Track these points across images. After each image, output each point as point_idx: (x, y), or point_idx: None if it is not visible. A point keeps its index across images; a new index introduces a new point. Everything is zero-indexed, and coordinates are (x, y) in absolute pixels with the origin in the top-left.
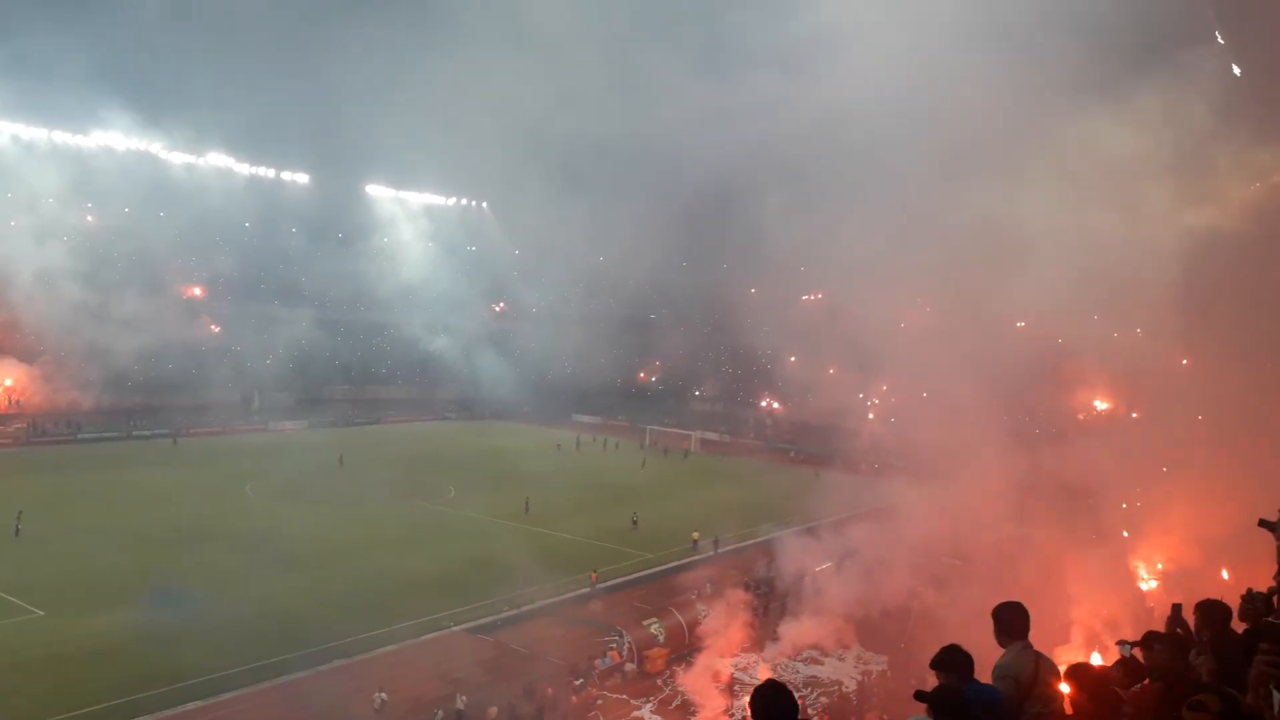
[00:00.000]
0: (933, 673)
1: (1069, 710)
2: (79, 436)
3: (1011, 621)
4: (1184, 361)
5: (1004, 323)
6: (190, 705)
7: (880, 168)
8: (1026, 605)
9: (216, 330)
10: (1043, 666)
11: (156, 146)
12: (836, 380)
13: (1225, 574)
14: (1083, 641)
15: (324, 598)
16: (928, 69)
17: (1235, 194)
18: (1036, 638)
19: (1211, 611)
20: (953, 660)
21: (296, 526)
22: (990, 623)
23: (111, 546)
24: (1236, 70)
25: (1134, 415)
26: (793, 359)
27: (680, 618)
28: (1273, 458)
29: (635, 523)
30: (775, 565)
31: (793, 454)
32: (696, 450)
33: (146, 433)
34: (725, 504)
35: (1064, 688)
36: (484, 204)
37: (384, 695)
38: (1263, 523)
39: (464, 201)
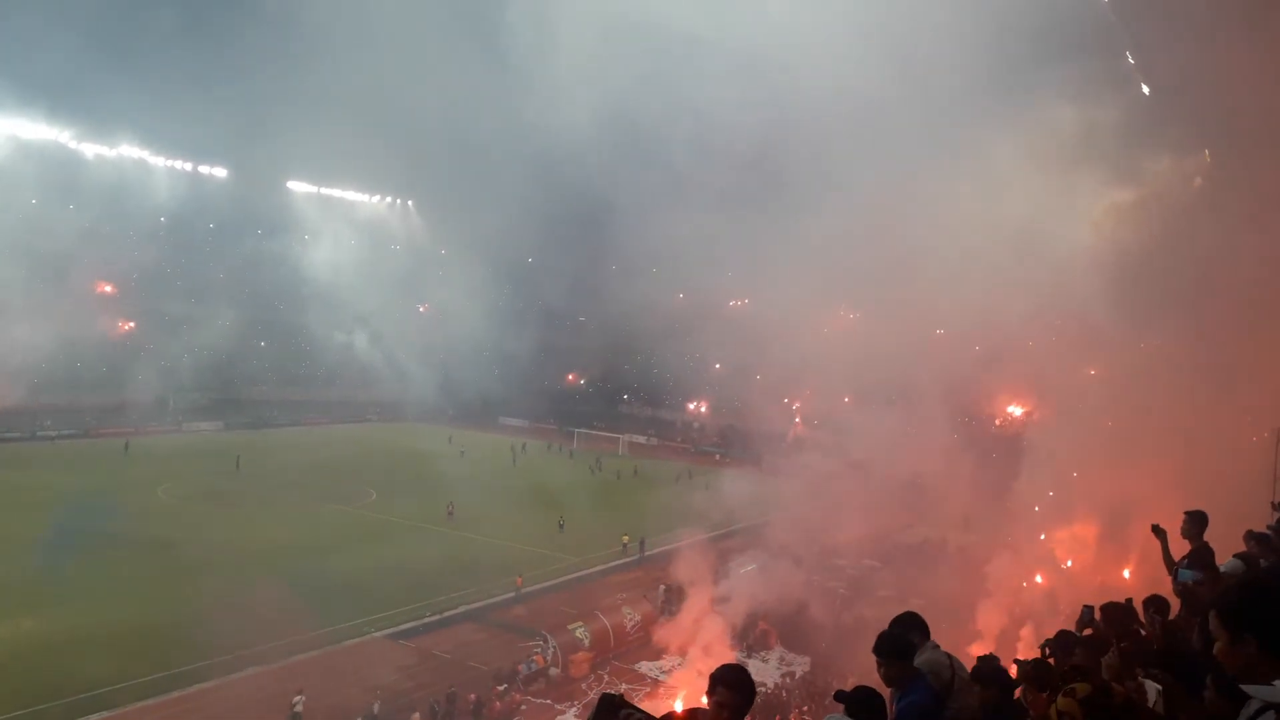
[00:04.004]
0: (853, 673)
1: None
2: None
3: (917, 624)
4: (1092, 371)
5: (923, 329)
6: (96, 715)
7: (798, 174)
8: (941, 605)
9: (129, 327)
10: (957, 667)
11: (65, 136)
12: (761, 385)
13: (1127, 574)
14: (994, 640)
15: (239, 604)
16: (842, 74)
17: (1142, 205)
18: (953, 637)
19: (1114, 612)
20: (867, 703)
21: (211, 530)
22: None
23: (10, 553)
24: (1145, 89)
25: (1049, 421)
26: (718, 366)
27: (606, 621)
28: (1179, 461)
29: (561, 526)
30: (699, 567)
31: (719, 457)
32: (625, 453)
33: (52, 433)
34: (653, 507)
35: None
36: (409, 202)
37: (303, 697)
38: (1155, 528)
39: (388, 199)
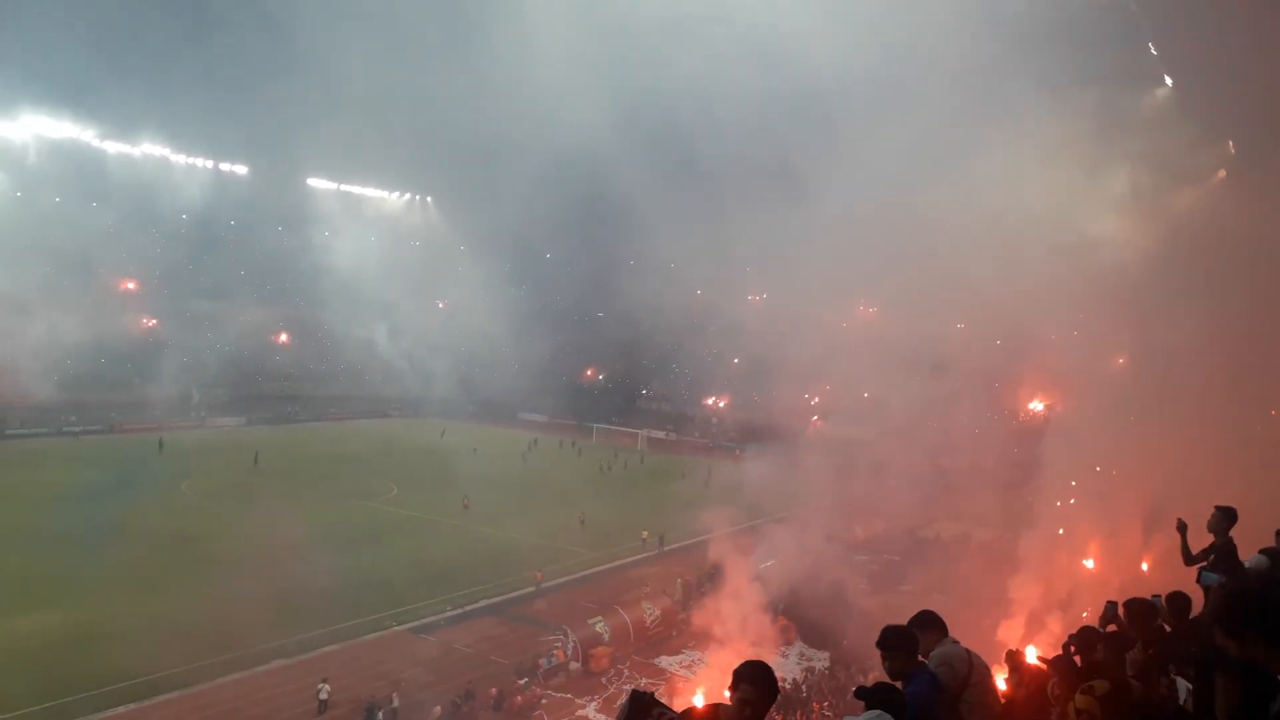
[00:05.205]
0: (873, 668)
1: (1003, 699)
2: (6, 432)
3: (935, 623)
4: (1120, 361)
5: (944, 324)
6: (122, 708)
7: (817, 169)
8: (962, 600)
9: (152, 324)
10: (976, 662)
11: (89, 134)
12: (780, 379)
13: (1145, 566)
14: (1018, 636)
15: (262, 598)
16: (862, 66)
17: (1166, 198)
18: (974, 632)
19: (1137, 609)
20: (888, 698)
21: (234, 525)
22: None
23: (36, 548)
24: (1169, 80)
25: (1073, 415)
26: (736, 360)
27: (626, 616)
28: (1202, 458)
29: (583, 522)
30: (719, 562)
31: (738, 452)
32: (643, 448)
33: (77, 429)
34: (674, 502)
35: (1000, 682)
36: (428, 199)
37: (327, 685)
38: (1178, 523)
39: (408, 196)
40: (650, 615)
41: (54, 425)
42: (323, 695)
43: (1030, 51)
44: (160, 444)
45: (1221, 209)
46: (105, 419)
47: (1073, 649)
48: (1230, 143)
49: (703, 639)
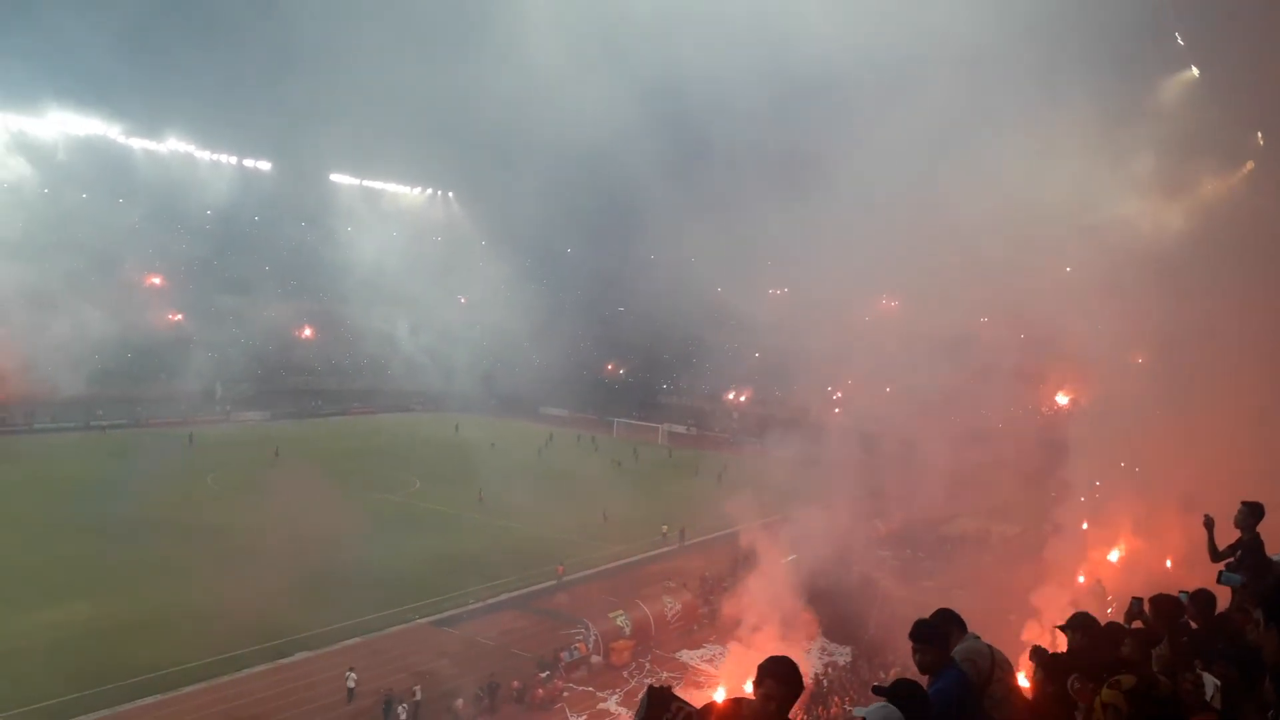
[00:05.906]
0: (895, 664)
1: (1029, 695)
2: (35, 426)
3: (955, 619)
4: (1145, 356)
5: (967, 317)
6: (148, 699)
7: (845, 160)
8: (985, 596)
9: (178, 319)
10: (998, 657)
11: (115, 131)
12: (802, 375)
13: (1169, 563)
14: (1041, 632)
15: (286, 591)
16: (889, 62)
17: (1193, 191)
18: (996, 629)
19: (1164, 605)
20: (907, 695)
21: (258, 518)
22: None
23: (65, 539)
24: (1195, 71)
25: (1093, 409)
26: (757, 355)
27: (647, 610)
28: (1228, 453)
29: (605, 516)
30: (741, 556)
31: (759, 446)
32: (664, 443)
33: (104, 423)
34: (690, 497)
35: (1022, 681)
36: (450, 194)
37: (354, 674)
38: (1205, 519)
39: (429, 191)
40: (671, 609)
41: (81, 419)
42: (350, 684)
43: (1053, 41)
44: (190, 438)
45: (1252, 198)
46: (131, 413)
47: (1073, 635)
48: (1259, 134)
49: (723, 633)
